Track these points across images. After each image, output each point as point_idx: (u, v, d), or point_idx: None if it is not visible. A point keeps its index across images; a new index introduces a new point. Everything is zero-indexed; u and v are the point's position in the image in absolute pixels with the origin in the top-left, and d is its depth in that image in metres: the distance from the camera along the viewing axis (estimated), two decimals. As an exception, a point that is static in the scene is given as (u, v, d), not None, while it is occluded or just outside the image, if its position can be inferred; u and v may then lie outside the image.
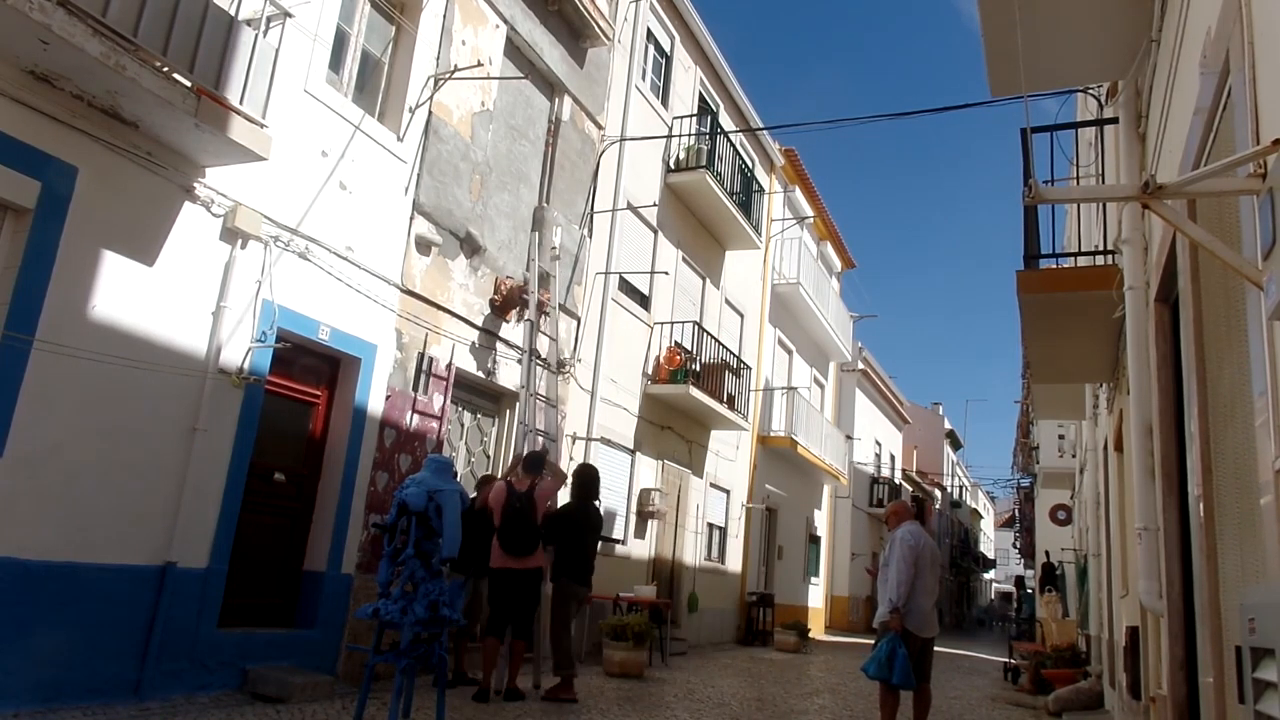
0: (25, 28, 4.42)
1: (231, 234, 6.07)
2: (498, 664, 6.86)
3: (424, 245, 7.95)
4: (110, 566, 5.32)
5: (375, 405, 7.38)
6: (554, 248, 9.73)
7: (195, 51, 5.18)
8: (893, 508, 7.05)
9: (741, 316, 16.27)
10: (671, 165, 12.94)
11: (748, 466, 16.51)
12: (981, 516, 55.78)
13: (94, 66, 4.75)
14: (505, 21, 9.13)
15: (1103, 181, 7.09)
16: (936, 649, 6.72)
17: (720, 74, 14.79)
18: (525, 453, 7.89)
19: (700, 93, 14.28)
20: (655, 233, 12.55)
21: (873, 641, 6.46)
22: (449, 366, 8.26)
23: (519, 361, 8.51)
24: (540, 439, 8.83)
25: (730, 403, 13.77)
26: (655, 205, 12.40)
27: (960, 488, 46.87)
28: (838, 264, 23.63)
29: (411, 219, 7.82)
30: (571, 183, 10.38)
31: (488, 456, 9.08)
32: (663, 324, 12.66)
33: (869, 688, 10.71)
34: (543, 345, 9.11)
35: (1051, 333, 6.76)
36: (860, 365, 24.93)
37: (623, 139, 11.35)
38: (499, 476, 7.92)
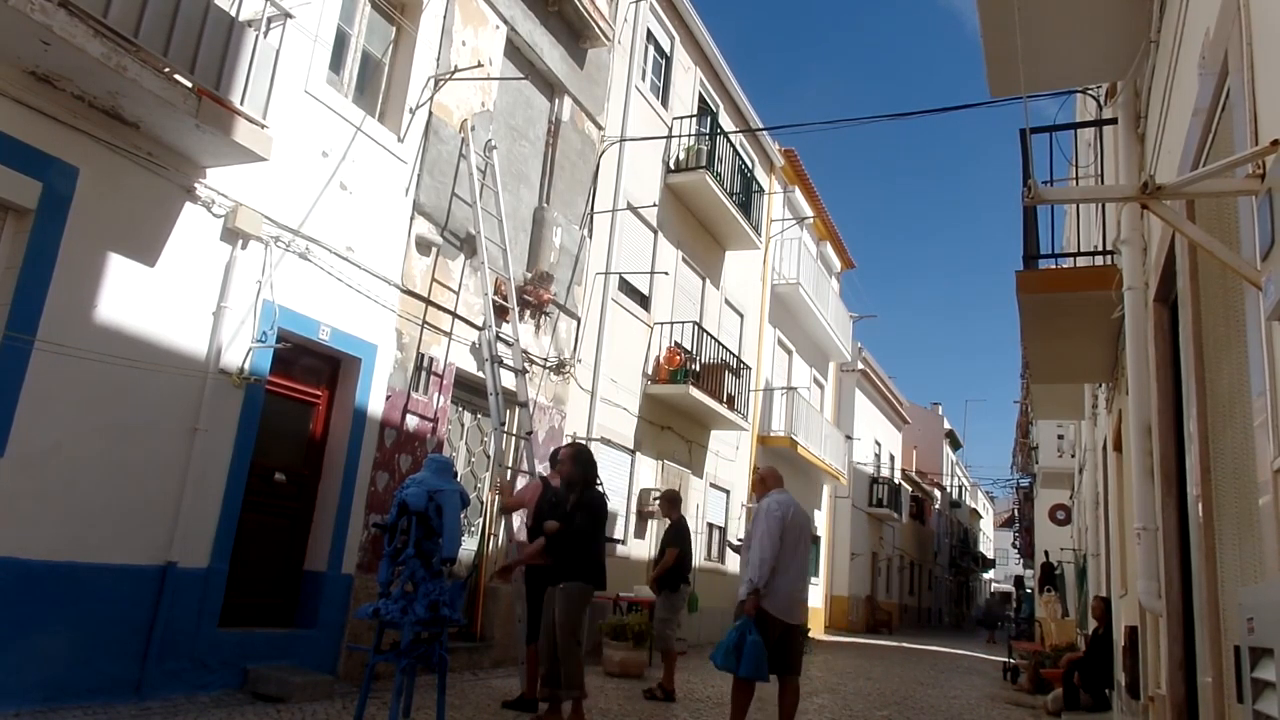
0: (26, 28, 4.42)
1: (232, 234, 6.08)
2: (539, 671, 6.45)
3: (424, 245, 7.97)
4: (111, 566, 5.33)
5: (375, 405, 7.39)
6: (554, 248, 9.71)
7: (196, 52, 5.18)
8: (760, 474, 5.97)
9: (741, 317, 16.27)
10: (671, 165, 12.95)
11: (748, 466, 16.52)
12: (981, 516, 55.81)
13: (95, 67, 4.75)
14: (505, 22, 9.13)
15: (1102, 182, 7.09)
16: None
17: (720, 74, 14.79)
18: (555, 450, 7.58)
19: (700, 93, 14.28)
20: (655, 233, 12.56)
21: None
22: (449, 367, 8.27)
23: (490, 360, 8.33)
24: (523, 440, 8.76)
25: (730, 403, 13.78)
26: (655, 205, 12.41)
27: (960, 487, 46.90)
28: (837, 264, 23.64)
29: (412, 219, 7.83)
30: (571, 183, 10.39)
31: (488, 456, 9.08)
32: (663, 324, 12.66)
33: (869, 688, 10.71)
34: (505, 350, 8.75)
35: (1051, 333, 6.77)
36: (860, 365, 24.93)
37: (623, 139, 11.35)
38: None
